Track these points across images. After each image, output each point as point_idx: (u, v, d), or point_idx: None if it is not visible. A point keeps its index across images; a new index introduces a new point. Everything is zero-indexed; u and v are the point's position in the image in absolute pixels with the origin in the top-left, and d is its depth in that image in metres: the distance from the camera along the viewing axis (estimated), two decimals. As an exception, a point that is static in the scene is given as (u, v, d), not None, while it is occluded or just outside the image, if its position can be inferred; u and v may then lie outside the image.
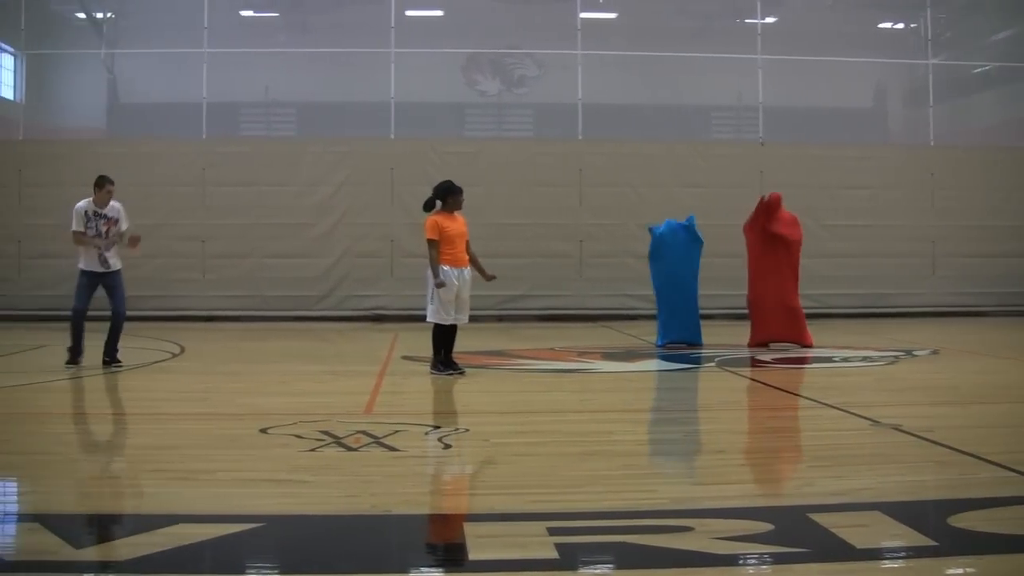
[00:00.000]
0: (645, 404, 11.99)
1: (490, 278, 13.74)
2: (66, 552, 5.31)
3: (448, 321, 13.18)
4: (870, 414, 9.66)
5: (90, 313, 14.08)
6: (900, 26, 31.41)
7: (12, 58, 28.12)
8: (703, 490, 6.88)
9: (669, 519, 5.93)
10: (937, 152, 27.39)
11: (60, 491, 6.80)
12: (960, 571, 5.17)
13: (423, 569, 5.44)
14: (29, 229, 25.00)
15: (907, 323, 24.12)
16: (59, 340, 18.63)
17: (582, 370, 14.88)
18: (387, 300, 25.15)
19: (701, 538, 5.52)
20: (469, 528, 5.88)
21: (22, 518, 6.28)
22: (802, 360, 15.86)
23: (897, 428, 8.87)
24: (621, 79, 28.09)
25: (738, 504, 6.36)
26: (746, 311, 18.02)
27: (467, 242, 13.36)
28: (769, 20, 28.77)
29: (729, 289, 21.83)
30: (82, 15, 28.92)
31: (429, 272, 13.11)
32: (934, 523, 5.95)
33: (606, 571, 5.36)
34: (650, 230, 17.82)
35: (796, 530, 5.75)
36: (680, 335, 17.38)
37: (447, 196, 13.30)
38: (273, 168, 25.64)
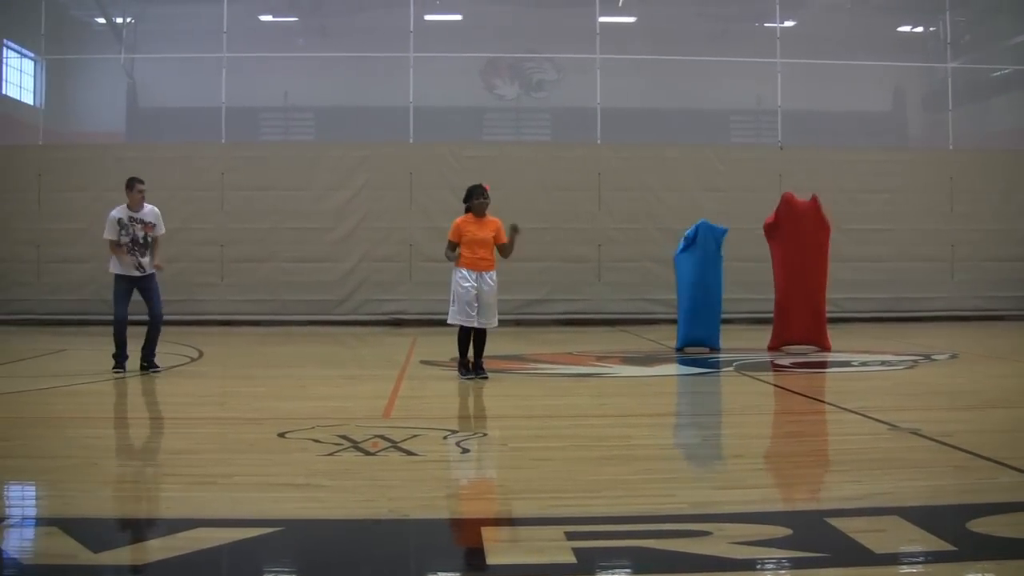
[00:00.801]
0: (664, 408, 11.97)
1: (515, 229, 13.45)
2: (84, 556, 5.32)
3: (467, 323, 13.22)
4: (889, 418, 9.64)
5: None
6: (919, 29, 31.35)
7: (32, 63, 28.24)
8: (721, 494, 6.86)
9: (687, 523, 5.92)
10: (956, 156, 27.29)
11: (78, 495, 6.80)
12: (979, 577, 5.17)
13: (441, 574, 5.44)
14: (48, 233, 25.09)
15: (926, 327, 24.05)
16: (78, 344, 18.78)
17: (601, 374, 14.86)
18: (406, 304, 25.17)
19: (719, 543, 5.50)
20: (487, 533, 5.88)
21: (40, 522, 6.29)
22: (821, 364, 15.82)
23: (916, 432, 8.85)
24: (640, 83, 28.07)
25: (756, 508, 6.35)
26: (764, 315, 18.00)
27: (503, 244, 13.39)
28: (788, 24, 28.73)
29: (748, 293, 21.82)
30: (102, 20, 29.01)
31: (452, 275, 13.23)
32: (953, 528, 5.92)
33: (624, 576, 5.36)
34: (686, 236, 17.63)
35: (814, 535, 5.74)
36: (699, 337, 17.35)
37: (470, 199, 13.38)
38: (292, 172, 25.68)
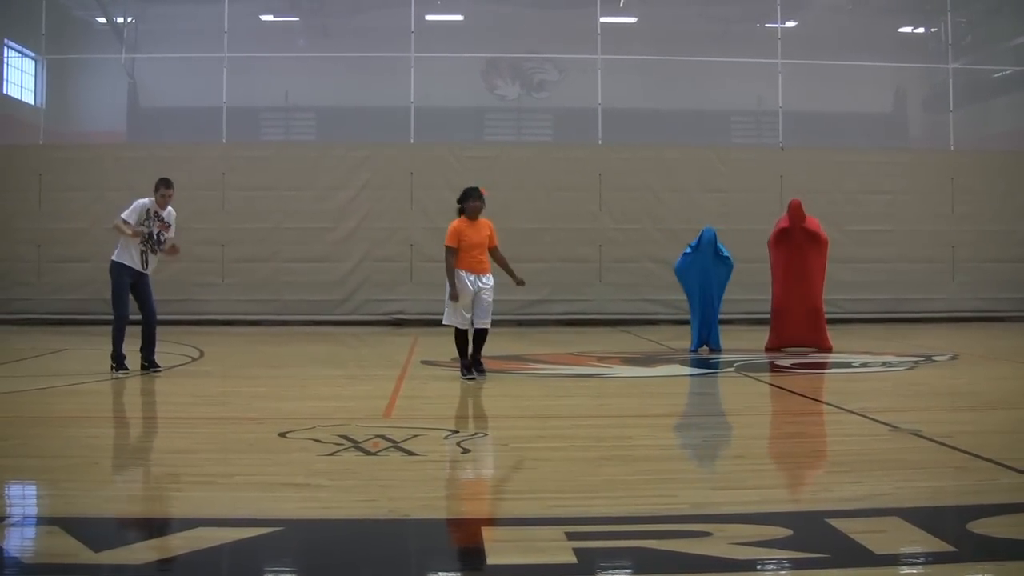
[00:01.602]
0: (664, 409, 11.96)
1: (519, 282, 13.81)
2: (85, 555, 5.32)
3: (462, 325, 13.31)
4: (889, 419, 9.64)
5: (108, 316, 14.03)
6: (920, 30, 31.38)
7: (33, 63, 28.26)
8: (722, 495, 6.86)
9: (687, 524, 5.92)
10: (957, 157, 27.30)
11: (79, 494, 6.80)
12: (979, 578, 5.17)
13: (441, 574, 5.44)
14: (49, 233, 25.12)
15: (926, 328, 24.06)
16: (79, 344, 18.77)
17: (601, 375, 14.86)
18: (406, 304, 25.19)
19: (719, 543, 5.50)
20: (487, 533, 5.88)
21: (41, 521, 6.29)
22: (821, 365, 15.83)
23: (916, 433, 8.85)
24: (641, 83, 28.10)
25: (757, 509, 6.34)
26: (763, 315, 18.02)
27: (495, 248, 13.50)
28: (789, 24, 28.77)
29: (749, 294, 21.80)
30: (103, 20, 29.03)
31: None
32: (953, 529, 5.92)
33: (624, 576, 5.36)
34: (691, 245, 17.62)
35: (815, 535, 5.74)
36: (702, 339, 17.41)
37: (465, 201, 13.40)
38: (293, 172, 25.70)
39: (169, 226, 14.10)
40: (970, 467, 7.63)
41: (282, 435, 8.86)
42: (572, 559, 5.30)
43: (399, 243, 25.47)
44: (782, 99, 27.22)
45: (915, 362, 15.96)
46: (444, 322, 13.44)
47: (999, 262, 26.57)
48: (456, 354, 13.67)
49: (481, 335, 13.53)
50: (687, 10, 29.18)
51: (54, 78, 28.13)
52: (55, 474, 7.55)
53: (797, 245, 17.34)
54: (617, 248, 25.87)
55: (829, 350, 17.17)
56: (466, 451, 8.45)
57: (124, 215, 13.82)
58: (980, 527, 5.79)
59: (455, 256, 13.19)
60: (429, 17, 28.27)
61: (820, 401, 11.94)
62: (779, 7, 27.58)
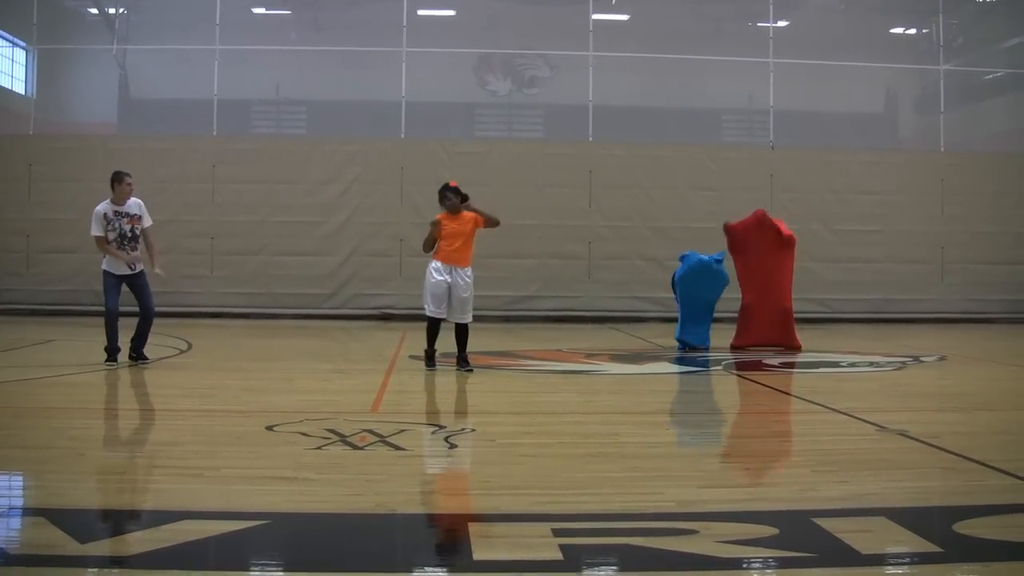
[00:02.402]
0: (652, 406, 11.96)
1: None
2: (71, 547, 5.31)
3: (435, 315, 13.48)
4: (876, 419, 9.65)
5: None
6: (912, 31, 31.46)
7: (24, 52, 28.20)
8: (708, 493, 6.86)
9: (674, 522, 5.92)
10: (947, 158, 27.33)
11: (65, 486, 6.80)
12: (965, 578, 5.17)
13: (427, 569, 5.43)
14: (38, 224, 25.08)
15: (915, 329, 24.09)
16: (67, 335, 18.75)
17: (589, 372, 14.87)
18: (395, 299, 25.16)
19: (706, 541, 5.51)
20: (473, 528, 5.87)
21: (27, 512, 6.28)
22: (810, 365, 15.83)
23: (903, 434, 8.86)
24: (632, 81, 28.12)
25: (743, 508, 6.35)
26: (734, 315, 18.10)
27: (483, 222, 13.63)
28: (781, 24, 28.79)
29: (737, 292, 21.82)
30: (94, 10, 28.99)
31: (428, 267, 13.57)
32: (940, 530, 5.93)
33: (610, 573, 5.34)
34: (681, 258, 17.57)
35: (801, 534, 5.75)
36: (690, 340, 17.35)
37: (440, 198, 13.63)
38: (283, 166, 25.68)
39: (139, 216, 13.88)
40: (957, 468, 7.64)
41: (269, 428, 8.84)
42: (558, 555, 5.30)
43: (389, 238, 25.44)
44: (773, 98, 27.23)
45: (903, 363, 15.98)
46: (426, 312, 13.66)
47: (988, 264, 26.60)
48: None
49: (463, 331, 13.67)
50: (679, 8, 29.20)
51: (45, 68, 28.05)
52: (41, 465, 7.54)
53: (766, 248, 17.40)
54: (607, 245, 25.87)
55: (798, 349, 17.20)
56: (453, 446, 8.45)
57: (92, 231, 13.76)
58: (966, 528, 5.80)
59: (433, 244, 13.49)
60: (421, 12, 28.22)
61: (808, 400, 11.94)
62: (771, 6, 27.59)
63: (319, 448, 8.00)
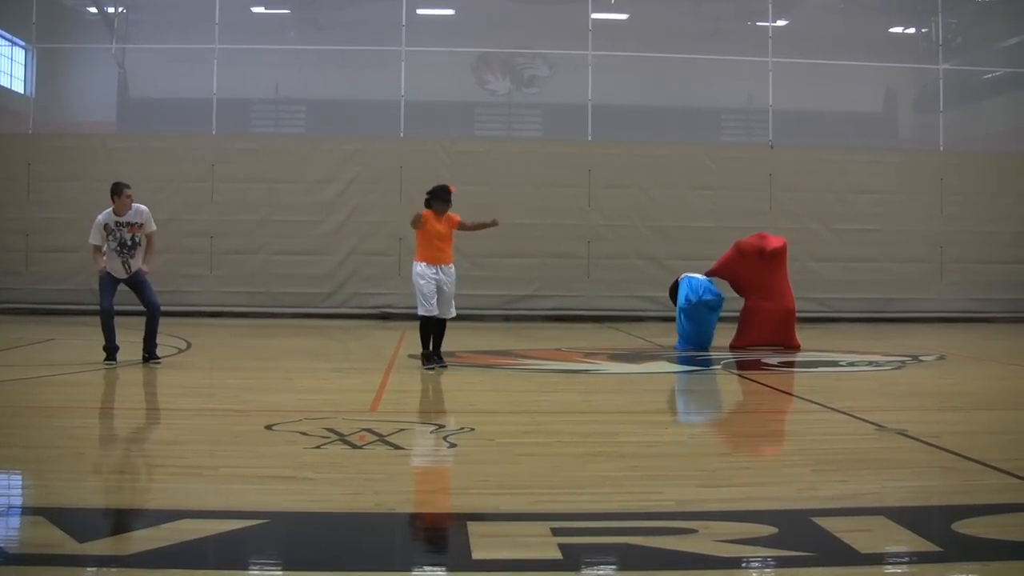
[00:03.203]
0: (650, 406, 11.96)
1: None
2: (70, 546, 5.31)
3: (429, 313, 13.63)
4: (875, 419, 9.64)
5: (120, 308, 13.96)
6: (911, 31, 31.43)
7: (23, 51, 28.18)
8: (707, 492, 6.85)
9: (673, 521, 5.92)
10: (946, 157, 27.33)
11: (64, 485, 6.79)
12: (964, 577, 5.17)
13: (426, 568, 5.42)
14: (37, 223, 25.08)
15: (914, 328, 24.09)
16: (67, 334, 18.73)
17: (588, 371, 14.87)
18: (394, 298, 25.13)
19: (705, 540, 5.50)
20: (472, 527, 5.86)
21: (26, 511, 6.28)
22: (809, 364, 15.83)
23: (903, 433, 8.86)
24: (631, 80, 28.13)
25: (742, 507, 6.35)
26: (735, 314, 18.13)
27: (461, 224, 13.95)
28: (780, 23, 28.80)
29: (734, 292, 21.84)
30: (93, 9, 28.98)
31: (414, 270, 13.76)
32: (939, 529, 5.93)
33: (609, 572, 5.34)
34: (680, 281, 17.52)
35: (800, 534, 5.74)
36: (692, 344, 17.33)
37: (433, 199, 13.80)
38: (282, 165, 25.69)
39: (141, 225, 13.82)
40: (956, 467, 7.63)
41: (268, 427, 8.84)
42: (557, 555, 5.30)
43: (387, 237, 25.41)
44: (772, 97, 27.24)
45: (902, 362, 15.97)
46: (420, 313, 13.77)
47: (987, 263, 26.61)
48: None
49: (442, 328, 13.95)
50: (679, 7, 29.19)
51: (44, 67, 28.05)
52: (40, 464, 7.54)
53: (754, 267, 17.54)
54: (606, 244, 25.88)
55: (798, 349, 17.20)
56: (452, 446, 8.44)
57: (91, 239, 13.75)
58: (965, 527, 5.80)
59: (420, 223, 13.62)
60: (420, 11, 28.22)
61: (807, 400, 11.94)
62: (770, 6, 27.63)
63: (318, 447, 8.00)
